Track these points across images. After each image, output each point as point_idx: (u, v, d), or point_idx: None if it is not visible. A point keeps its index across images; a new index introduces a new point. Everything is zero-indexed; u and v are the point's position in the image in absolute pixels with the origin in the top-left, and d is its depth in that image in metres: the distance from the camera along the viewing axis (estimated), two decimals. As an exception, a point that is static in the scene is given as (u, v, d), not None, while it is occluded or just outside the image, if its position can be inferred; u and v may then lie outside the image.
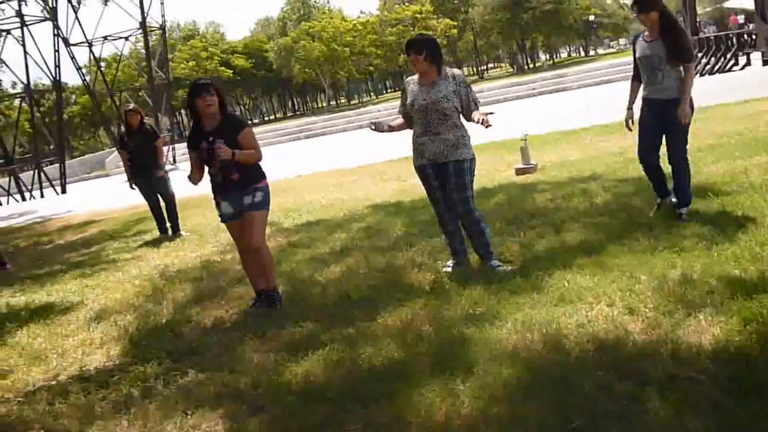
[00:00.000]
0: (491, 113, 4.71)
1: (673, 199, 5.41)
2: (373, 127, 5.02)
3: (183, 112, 70.68)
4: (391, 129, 5.02)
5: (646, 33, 5.24)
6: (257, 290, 5.09)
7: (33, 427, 3.66)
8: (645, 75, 5.27)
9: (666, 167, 5.42)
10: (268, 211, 5.01)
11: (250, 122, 74.61)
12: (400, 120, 5.07)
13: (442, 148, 4.77)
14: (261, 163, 4.95)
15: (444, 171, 4.83)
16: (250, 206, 4.83)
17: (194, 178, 4.92)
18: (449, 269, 5.08)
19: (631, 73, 5.53)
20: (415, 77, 4.92)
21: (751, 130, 8.95)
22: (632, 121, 5.51)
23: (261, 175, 4.92)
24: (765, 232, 4.48)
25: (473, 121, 4.70)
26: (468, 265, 5.09)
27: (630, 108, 5.51)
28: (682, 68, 5.16)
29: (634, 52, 5.37)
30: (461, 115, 4.84)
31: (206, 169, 4.89)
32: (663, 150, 5.39)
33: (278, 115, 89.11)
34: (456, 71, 4.87)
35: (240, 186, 4.80)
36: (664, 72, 5.13)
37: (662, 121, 5.22)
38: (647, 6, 5.07)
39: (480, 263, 5.05)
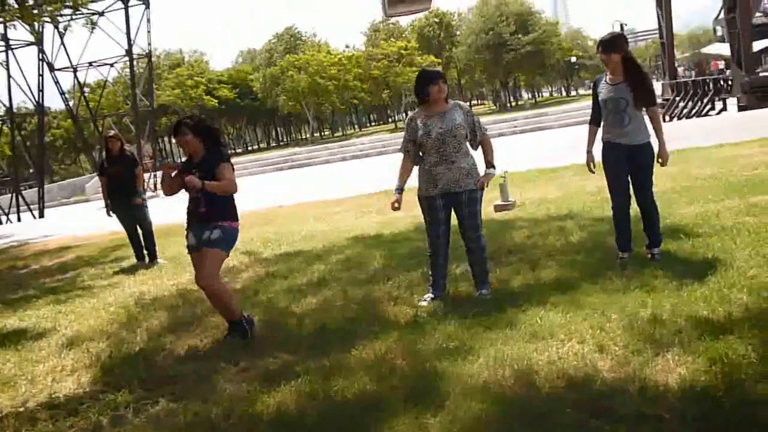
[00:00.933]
0: (491, 174, 5.08)
1: (649, 247, 5.48)
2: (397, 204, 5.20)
3: (166, 139, 70.50)
4: (404, 182, 5.19)
5: (609, 76, 5.30)
6: (231, 319, 5.08)
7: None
8: (609, 118, 5.31)
9: (634, 211, 5.52)
10: (225, 252, 4.96)
11: (233, 151, 74.79)
12: (406, 165, 5.19)
13: (458, 176, 4.95)
14: (240, 196, 5.02)
15: (456, 201, 5.01)
16: (206, 242, 4.85)
17: (165, 188, 5.05)
18: (425, 303, 5.11)
19: (589, 116, 5.59)
20: (420, 111, 5.10)
21: (725, 174, 9.16)
22: (593, 164, 5.60)
23: (229, 215, 4.93)
24: (734, 275, 4.58)
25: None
26: (445, 299, 5.14)
27: (590, 151, 5.57)
28: (646, 112, 5.28)
29: (596, 95, 5.41)
30: (469, 143, 5.10)
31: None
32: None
33: (262, 145, 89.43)
34: (461, 102, 5.22)
35: (205, 220, 4.87)
36: (629, 115, 5.21)
37: (630, 164, 5.32)
38: (611, 47, 5.19)
39: (455, 296, 5.11)
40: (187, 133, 4.88)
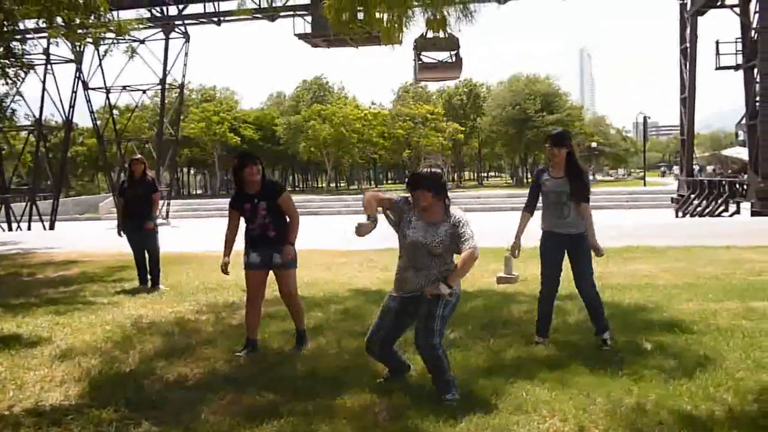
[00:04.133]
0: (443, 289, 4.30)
1: (598, 334, 5.64)
2: (359, 229, 4.45)
3: (185, 170, 71.24)
4: (375, 221, 4.47)
5: (552, 169, 5.60)
6: (251, 338, 5.70)
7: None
8: (550, 209, 5.62)
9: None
10: (296, 267, 5.82)
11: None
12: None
13: (423, 282, 4.40)
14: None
15: (416, 300, 4.43)
16: (284, 264, 5.65)
17: (230, 234, 5.72)
18: (382, 381, 4.69)
19: (525, 203, 5.78)
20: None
21: (728, 276, 9.21)
22: (518, 251, 5.87)
23: (291, 237, 5.71)
24: (722, 375, 4.62)
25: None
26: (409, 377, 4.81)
27: (518, 237, 5.81)
28: (577, 207, 5.52)
29: (538, 185, 5.66)
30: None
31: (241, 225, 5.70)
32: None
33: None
34: (458, 213, 4.42)
35: (274, 242, 5.60)
36: (570, 207, 5.51)
37: (569, 254, 5.63)
38: (560, 142, 5.50)
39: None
40: (258, 164, 5.58)
